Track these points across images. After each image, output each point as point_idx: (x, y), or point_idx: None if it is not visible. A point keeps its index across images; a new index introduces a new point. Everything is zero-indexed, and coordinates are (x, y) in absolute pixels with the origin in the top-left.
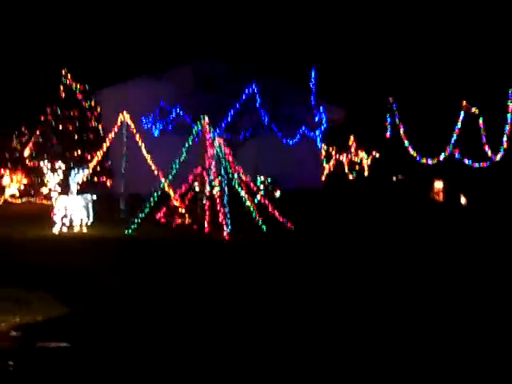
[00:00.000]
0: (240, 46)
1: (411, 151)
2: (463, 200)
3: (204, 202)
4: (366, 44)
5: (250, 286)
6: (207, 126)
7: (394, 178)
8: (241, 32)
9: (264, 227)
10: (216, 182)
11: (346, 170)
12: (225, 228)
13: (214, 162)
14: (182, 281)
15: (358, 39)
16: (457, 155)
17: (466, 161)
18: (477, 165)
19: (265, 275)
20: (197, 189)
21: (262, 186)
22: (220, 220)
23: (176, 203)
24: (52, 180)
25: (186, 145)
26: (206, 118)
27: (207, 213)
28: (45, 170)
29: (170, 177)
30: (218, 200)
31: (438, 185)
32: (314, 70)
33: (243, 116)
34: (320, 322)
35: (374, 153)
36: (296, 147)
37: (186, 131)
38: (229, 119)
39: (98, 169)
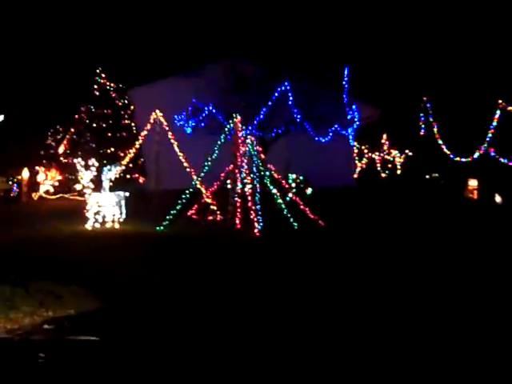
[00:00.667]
0: (272, 44)
1: (445, 149)
2: (498, 199)
3: (236, 199)
4: (401, 42)
5: (278, 284)
6: (239, 124)
7: (428, 176)
8: (273, 31)
9: (295, 224)
10: (248, 180)
11: (379, 169)
12: (256, 225)
13: (245, 160)
14: (213, 278)
15: (392, 37)
16: (492, 153)
17: (502, 159)
18: None
19: (294, 273)
20: (229, 186)
21: (293, 184)
22: (251, 217)
23: (208, 200)
24: (85, 177)
25: (219, 142)
26: (239, 117)
27: (239, 210)
28: (78, 167)
29: (202, 174)
30: (249, 197)
31: (473, 183)
32: (347, 68)
33: (275, 114)
34: (342, 322)
35: (406, 151)
36: (328, 145)
37: (218, 129)
38: (261, 117)
39: (131, 166)
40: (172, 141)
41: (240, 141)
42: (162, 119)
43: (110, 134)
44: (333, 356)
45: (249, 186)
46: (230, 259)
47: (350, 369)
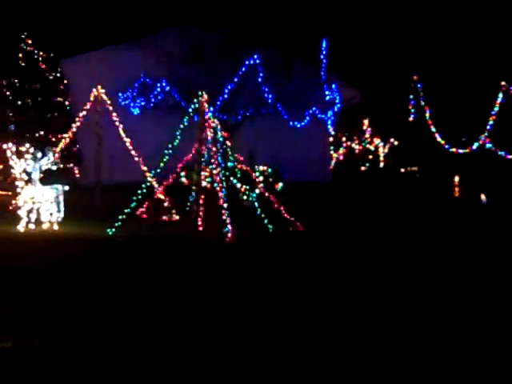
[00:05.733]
0: (237, 8)
1: (439, 139)
2: (484, 197)
3: (197, 195)
4: (386, 11)
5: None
6: (206, 104)
7: (403, 170)
8: None
9: (270, 227)
10: (215, 172)
11: (358, 160)
12: (226, 227)
13: (214, 149)
14: (173, 291)
15: (375, 5)
16: (488, 145)
17: (500, 152)
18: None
19: (273, 282)
20: (183, 179)
21: (261, 178)
22: (217, 217)
23: (161, 197)
24: (17, 167)
25: (182, 126)
26: (205, 95)
27: (201, 208)
28: (8, 154)
29: (162, 165)
30: (215, 193)
31: (455, 179)
32: (324, 39)
33: (242, 93)
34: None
35: (392, 140)
36: (303, 131)
37: (174, 110)
38: (225, 96)
39: (65, 153)
40: (117, 124)
41: (207, 125)
42: (104, 97)
43: (38, 114)
44: None
45: (208, 180)
46: (197, 268)
47: None
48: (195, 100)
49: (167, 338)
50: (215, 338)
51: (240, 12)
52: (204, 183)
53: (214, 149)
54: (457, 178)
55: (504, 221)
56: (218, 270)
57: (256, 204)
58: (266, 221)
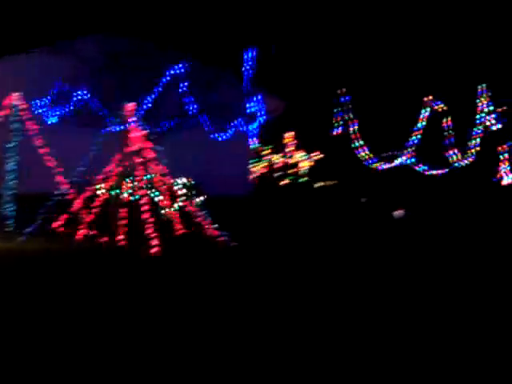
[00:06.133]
0: (159, 17)
1: (364, 153)
2: (397, 213)
3: (119, 208)
4: (311, 22)
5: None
6: (129, 115)
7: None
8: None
9: (194, 241)
10: (134, 184)
11: (279, 174)
12: (150, 240)
13: (139, 160)
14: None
15: (300, 14)
16: (410, 160)
17: (420, 167)
18: (432, 171)
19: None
20: (99, 192)
21: (183, 191)
22: (140, 230)
23: (78, 210)
24: None
25: (102, 136)
26: (131, 105)
27: (122, 223)
28: None
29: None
30: (137, 206)
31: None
32: (250, 50)
33: (165, 103)
34: None
35: (315, 154)
36: (226, 143)
37: (96, 120)
38: (147, 106)
39: None
40: (33, 132)
41: (131, 135)
42: (19, 104)
43: None
44: None
45: (127, 192)
46: (119, 285)
47: None
48: (118, 109)
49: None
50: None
51: (163, 21)
52: (124, 195)
53: (137, 160)
54: (373, 193)
55: (413, 236)
56: (144, 284)
57: (179, 217)
58: (188, 234)
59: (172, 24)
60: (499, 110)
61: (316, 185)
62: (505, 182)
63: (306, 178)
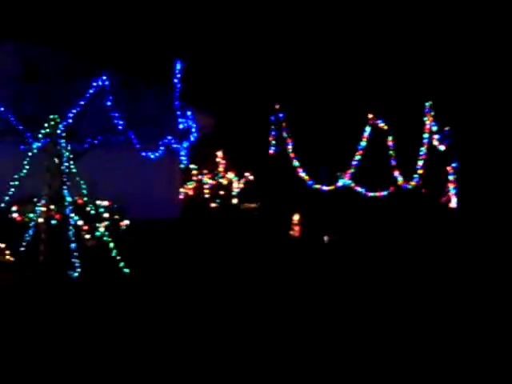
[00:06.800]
0: (80, 24)
1: (302, 174)
2: (326, 238)
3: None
4: (245, 32)
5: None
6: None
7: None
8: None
9: (127, 271)
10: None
11: (208, 196)
12: (74, 269)
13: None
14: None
15: (235, 25)
16: (348, 181)
17: (359, 188)
18: (372, 194)
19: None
20: (14, 215)
21: (106, 214)
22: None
23: None
24: None
25: (30, 154)
26: (52, 118)
27: (42, 248)
28: None
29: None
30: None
31: (296, 217)
32: (178, 61)
33: (89, 118)
34: None
35: (247, 175)
36: (153, 163)
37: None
38: (69, 121)
39: None
40: None
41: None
42: None
43: None
44: None
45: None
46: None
47: None
48: (38, 123)
49: None
50: None
51: (86, 28)
52: (42, 219)
53: (56, 180)
54: (296, 217)
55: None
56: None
57: (111, 245)
58: (121, 263)
59: (96, 31)
60: (444, 129)
61: (247, 207)
62: (452, 205)
63: (236, 200)
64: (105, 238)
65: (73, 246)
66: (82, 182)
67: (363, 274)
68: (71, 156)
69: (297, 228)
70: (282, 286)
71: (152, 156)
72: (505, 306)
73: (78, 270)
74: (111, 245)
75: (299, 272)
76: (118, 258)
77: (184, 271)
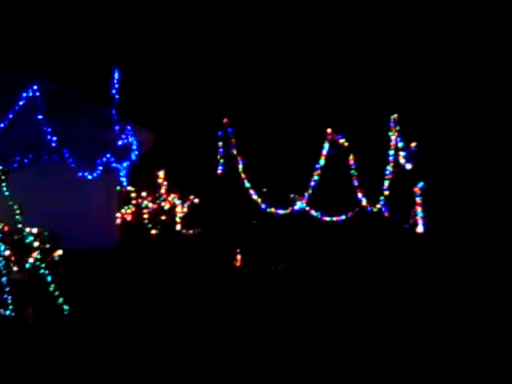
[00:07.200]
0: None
1: (255, 197)
2: (280, 266)
3: None
4: (190, 40)
5: None
6: None
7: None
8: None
9: (66, 308)
10: None
11: (148, 221)
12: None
13: None
14: None
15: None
16: (302, 204)
17: (313, 212)
18: (328, 218)
19: None
20: None
21: (36, 244)
22: None
23: None
24: None
25: None
26: None
27: None
28: None
29: None
30: None
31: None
32: (116, 69)
33: (17, 134)
34: None
35: (191, 197)
36: (89, 185)
37: None
38: None
39: None
40: None
41: None
42: None
43: None
44: None
45: None
46: None
47: None
48: None
49: None
50: None
51: (11, 35)
52: None
53: None
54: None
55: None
56: None
57: (48, 278)
58: (59, 300)
59: (26, 36)
60: (411, 145)
61: (186, 234)
62: (419, 229)
63: (180, 226)
64: (41, 271)
65: (3, 279)
66: (9, 205)
67: (305, 308)
68: None
69: (239, 257)
70: (221, 321)
71: (89, 176)
72: (474, 336)
73: (11, 307)
74: (49, 278)
75: (238, 306)
76: (56, 293)
77: (128, 307)
